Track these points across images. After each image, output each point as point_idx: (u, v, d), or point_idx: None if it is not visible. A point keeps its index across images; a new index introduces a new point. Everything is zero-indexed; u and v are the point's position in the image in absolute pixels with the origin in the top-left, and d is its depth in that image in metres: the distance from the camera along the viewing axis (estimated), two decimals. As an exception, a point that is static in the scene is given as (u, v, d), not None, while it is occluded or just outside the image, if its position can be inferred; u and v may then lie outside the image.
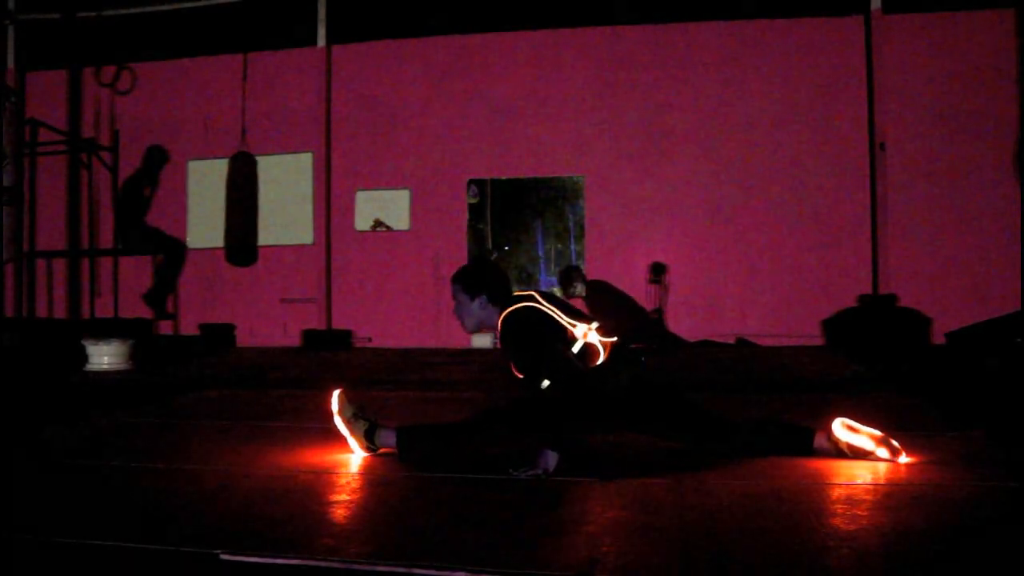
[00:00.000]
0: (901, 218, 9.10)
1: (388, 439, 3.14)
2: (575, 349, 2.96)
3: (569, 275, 7.39)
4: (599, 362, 2.98)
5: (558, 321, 3.00)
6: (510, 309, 3.04)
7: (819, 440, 2.94)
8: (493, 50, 10.08)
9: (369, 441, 3.15)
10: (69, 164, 9.41)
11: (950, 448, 3.17)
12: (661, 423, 3.07)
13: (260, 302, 10.20)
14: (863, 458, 2.87)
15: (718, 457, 2.97)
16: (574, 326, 3.00)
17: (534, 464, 2.73)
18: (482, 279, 3.16)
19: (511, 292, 3.16)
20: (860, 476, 2.72)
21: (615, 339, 3.06)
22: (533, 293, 3.10)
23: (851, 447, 2.89)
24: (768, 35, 9.56)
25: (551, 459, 2.73)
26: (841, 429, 2.90)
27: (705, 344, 8.81)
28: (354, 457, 3.15)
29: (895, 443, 2.88)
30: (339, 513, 2.43)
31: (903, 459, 2.86)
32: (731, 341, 9.00)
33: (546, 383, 2.89)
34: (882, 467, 2.81)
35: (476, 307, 3.13)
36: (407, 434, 3.15)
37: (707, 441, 3.06)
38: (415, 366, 6.94)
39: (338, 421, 3.19)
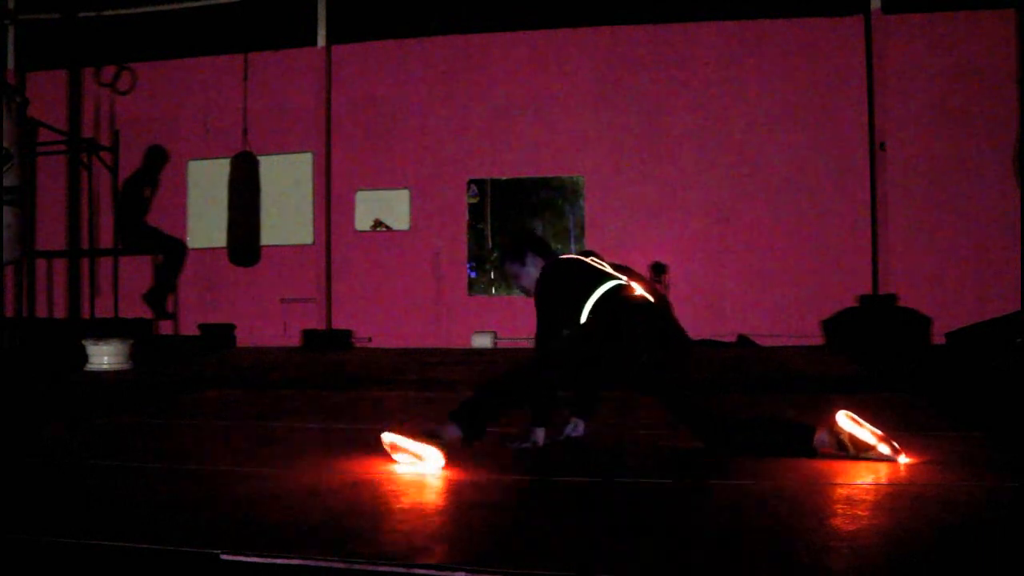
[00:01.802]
0: (901, 218, 9.10)
1: (451, 431, 3.06)
2: (607, 286, 3.07)
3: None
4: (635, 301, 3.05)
5: (600, 270, 3.18)
6: (555, 258, 3.31)
7: (819, 436, 2.92)
8: (493, 50, 10.09)
9: (441, 444, 2.99)
10: (69, 164, 9.42)
11: (950, 448, 3.17)
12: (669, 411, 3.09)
13: (260, 302, 10.20)
14: (863, 452, 2.85)
15: (718, 457, 2.97)
16: (618, 277, 3.15)
17: (525, 438, 3.04)
18: (519, 243, 3.42)
19: (550, 248, 3.43)
20: (860, 476, 2.72)
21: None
22: (584, 260, 3.28)
23: (853, 438, 2.86)
24: (768, 35, 9.56)
25: (540, 435, 3.05)
26: (845, 420, 2.89)
27: (706, 344, 8.81)
28: (355, 457, 3.14)
29: (895, 443, 2.88)
30: (339, 513, 2.43)
31: (903, 459, 2.85)
32: (732, 340, 9.00)
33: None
34: (882, 467, 2.81)
35: (530, 266, 3.33)
36: (463, 416, 3.10)
37: (707, 438, 3.05)
38: (415, 366, 6.94)
39: (410, 445, 2.92)
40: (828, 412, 3.07)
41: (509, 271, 3.41)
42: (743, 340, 8.94)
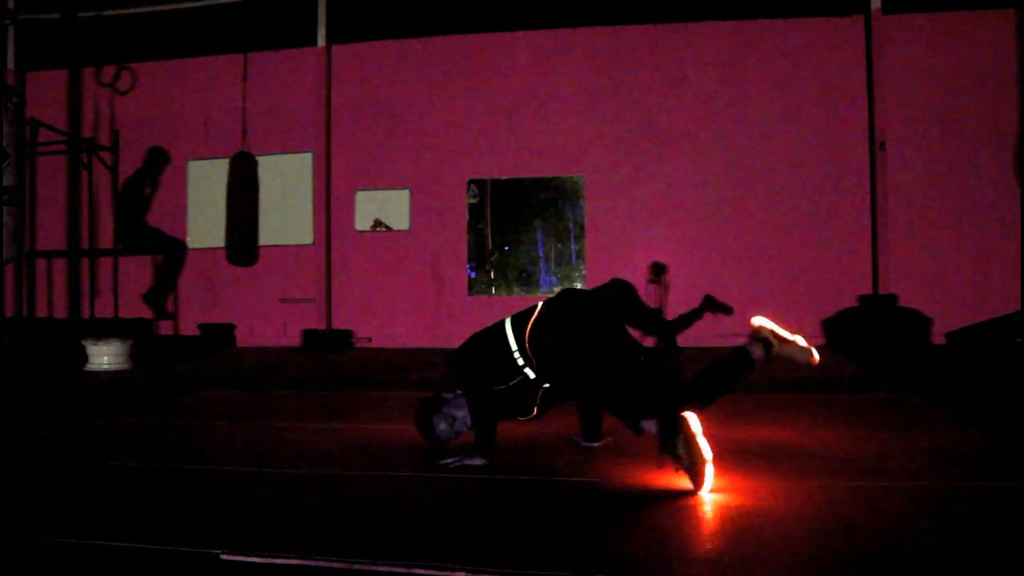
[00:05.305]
0: (901, 218, 9.10)
1: (476, 460, 2.97)
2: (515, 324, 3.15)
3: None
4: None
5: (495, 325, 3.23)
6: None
7: (752, 349, 3.01)
8: (493, 50, 10.08)
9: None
10: (69, 164, 9.42)
11: (950, 448, 3.17)
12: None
13: (260, 302, 10.20)
14: (785, 347, 2.99)
15: (716, 458, 2.97)
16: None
17: (462, 459, 2.93)
18: (430, 404, 3.20)
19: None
20: (860, 476, 2.72)
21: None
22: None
23: (775, 333, 3.02)
24: (768, 35, 9.55)
25: (471, 460, 2.92)
26: (761, 319, 3.08)
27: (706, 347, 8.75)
28: (355, 457, 3.14)
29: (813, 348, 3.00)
30: (339, 512, 2.43)
31: (816, 356, 2.98)
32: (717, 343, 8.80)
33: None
34: (881, 467, 2.81)
35: (453, 402, 3.15)
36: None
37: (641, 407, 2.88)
38: (415, 366, 6.94)
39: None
40: (827, 413, 3.13)
41: (458, 425, 3.12)
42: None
